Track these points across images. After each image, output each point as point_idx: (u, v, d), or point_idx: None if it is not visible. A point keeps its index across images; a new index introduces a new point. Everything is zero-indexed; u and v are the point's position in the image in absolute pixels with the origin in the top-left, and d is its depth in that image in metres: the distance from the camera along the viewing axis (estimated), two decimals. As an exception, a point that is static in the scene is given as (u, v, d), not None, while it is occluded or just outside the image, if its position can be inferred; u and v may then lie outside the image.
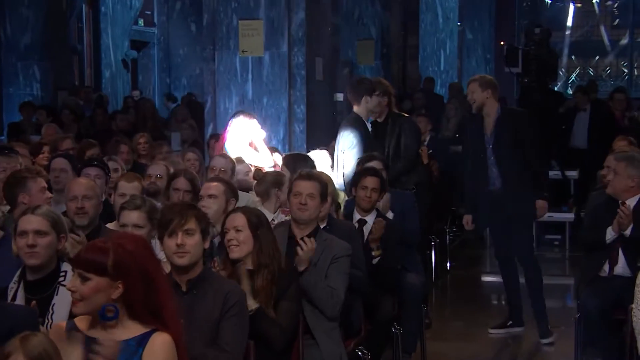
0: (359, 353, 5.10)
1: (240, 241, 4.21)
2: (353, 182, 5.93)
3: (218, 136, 8.10)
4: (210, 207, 5.15)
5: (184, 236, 3.81)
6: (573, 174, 11.18)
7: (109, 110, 12.59)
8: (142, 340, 3.08)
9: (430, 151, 9.19)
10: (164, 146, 8.38)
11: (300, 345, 4.34)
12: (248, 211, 4.34)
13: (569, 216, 10.31)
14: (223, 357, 3.75)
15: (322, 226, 5.18)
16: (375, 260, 5.53)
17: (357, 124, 7.07)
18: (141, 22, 17.14)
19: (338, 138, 7.17)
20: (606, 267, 5.80)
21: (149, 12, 17.38)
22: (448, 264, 9.37)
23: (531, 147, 6.78)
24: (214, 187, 5.24)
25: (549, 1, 20.67)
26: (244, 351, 3.88)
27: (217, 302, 3.82)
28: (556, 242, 10.32)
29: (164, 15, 17.04)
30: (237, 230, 4.22)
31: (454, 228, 10.11)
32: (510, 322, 7.11)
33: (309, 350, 4.48)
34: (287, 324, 4.19)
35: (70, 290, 3.02)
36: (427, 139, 9.69)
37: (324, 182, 4.99)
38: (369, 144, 6.97)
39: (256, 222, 4.27)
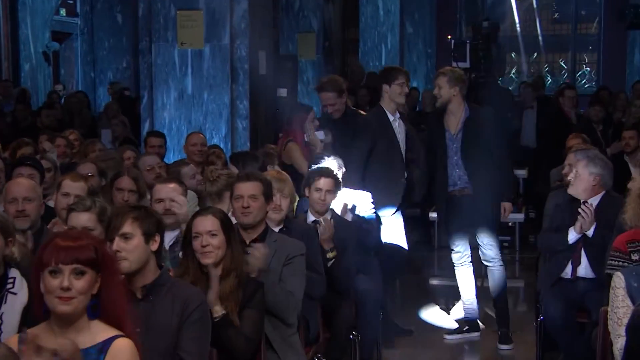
0: (318, 361, 5.11)
1: (216, 246, 4.16)
2: (306, 183, 5.92)
3: (156, 133, 8.03)
4: (182, 207, 5.07)
5: (120, 241, 3.77)
6: (522, 172, 11.32)
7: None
8: (104, 347, 3.05)
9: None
10: (97, 143, 8.24)
11: (262, 354, 4.30)
12: (218, 212, 4.29)
13: (519, 217, 10.41)
14: None
15: (278, 228, 5.17)
16: (330, 263, 5.53)
17: (373, 117, 7.01)
18: (63, 11, 16.83)
19: None
20: (569, 268, 5.89)
21: (71, 1, 17.09)
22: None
23: (500, 148, 6.86)
24: (175, 189, 5.15)
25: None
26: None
27: (176, 309, 3.77)
28: (506, 244, 10.42)
29: (88, 4, 16.77)
30: (212, 235, 4.17)
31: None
32: (467, 327, 7.19)
33: (270, 359, 4.46)
34: (252, 334, 4.16)
35: (65, 289, 2.97)
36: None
37: (266, 181, 4.94)
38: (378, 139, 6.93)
39: (228, 224, 4.24)
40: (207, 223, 4.18)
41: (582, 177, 5.92)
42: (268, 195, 4.87)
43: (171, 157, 8.09)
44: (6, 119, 11.46)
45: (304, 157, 7.00)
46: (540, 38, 21.15)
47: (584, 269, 5.86)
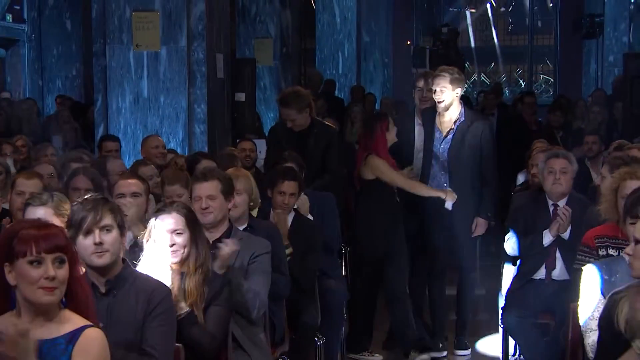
0: (284, 363, 5.12)
1: (181, 245, 4.16)
2: (269, 184, 5.90)
3: (111, 137, 7.96)
4: (133, 205, 5.01)
5: (102, 233, 3.73)
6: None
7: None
8: (73, 338, 3.04)
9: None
10: (49, 148, 8.14)
11: (228, 352, 4.30)
12: (182, 208, 4.26)
13: (479, 224, 10.47)
14: None
15: (242, 227, 5.16)
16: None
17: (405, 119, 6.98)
18: (9, 17, 16.61)
19: None
20: (541, 272, 5.91)
21: (17, 7, 16.87)
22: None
23: (489, 159, 6.74)
24: (135, 184, 5.10)
25: (448, 8, 21.23)
26: (173, 355, 3.82)
27: (141, 302, 3.76)
28: (466, 252, 10.47)
29: (35, 10, 16.56)
30: (178, 234, 4.16)
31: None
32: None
33: (237, 357, 4.45)
34: (217, 331, 4.15)
35: (51, 278, 2.97)
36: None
37: (224, 178, 4.92)
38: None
39: (193, 221, 4.24)
40: (170, 222, 4.17)
41: (570, 175, 5.93)
42: (228, 193, 4.85)
43: (127, 162, 8.02)
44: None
45: (392, 167, 6.70)
46: (497, 49, 21.44)
47: (559, 271, 5.88)
